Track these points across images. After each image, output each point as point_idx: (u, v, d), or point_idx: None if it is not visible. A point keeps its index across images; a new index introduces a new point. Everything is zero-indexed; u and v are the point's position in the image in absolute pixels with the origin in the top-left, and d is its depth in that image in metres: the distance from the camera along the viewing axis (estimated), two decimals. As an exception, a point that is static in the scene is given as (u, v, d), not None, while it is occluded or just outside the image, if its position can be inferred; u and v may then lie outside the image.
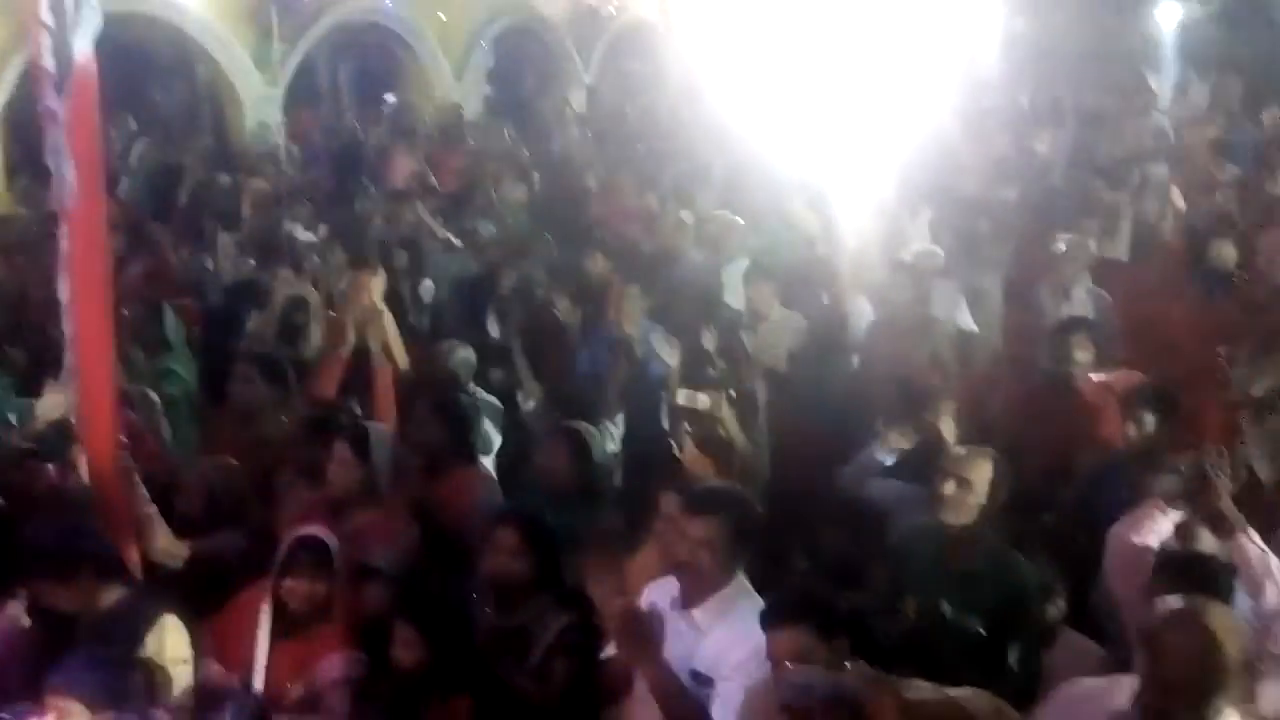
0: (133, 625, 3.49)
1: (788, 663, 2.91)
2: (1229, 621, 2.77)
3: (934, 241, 7.89)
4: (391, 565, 4.12)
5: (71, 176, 3.57)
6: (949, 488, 3.79)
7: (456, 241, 8.57)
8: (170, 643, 3.58)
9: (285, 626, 3.78)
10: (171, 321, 6.10)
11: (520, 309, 6.99)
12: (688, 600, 3.39)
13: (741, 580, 3.41)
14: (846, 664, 2.86)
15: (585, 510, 4.36)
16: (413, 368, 6.34)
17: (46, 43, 3.62)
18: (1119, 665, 3.52)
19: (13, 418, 4.76)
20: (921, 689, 2.81)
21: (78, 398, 3.80)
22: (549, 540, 3.85)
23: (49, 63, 3.60)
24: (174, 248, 8.10)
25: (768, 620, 3.07)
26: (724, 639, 3.28)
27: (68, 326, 3.75)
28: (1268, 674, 3.17)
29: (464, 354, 5.86)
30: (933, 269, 6.84)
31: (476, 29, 13.99)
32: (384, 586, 4.02)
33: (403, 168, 10.27)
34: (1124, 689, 2.85)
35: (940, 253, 7.16)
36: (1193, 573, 3.31)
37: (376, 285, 7.08)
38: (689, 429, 5.01)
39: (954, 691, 2.78)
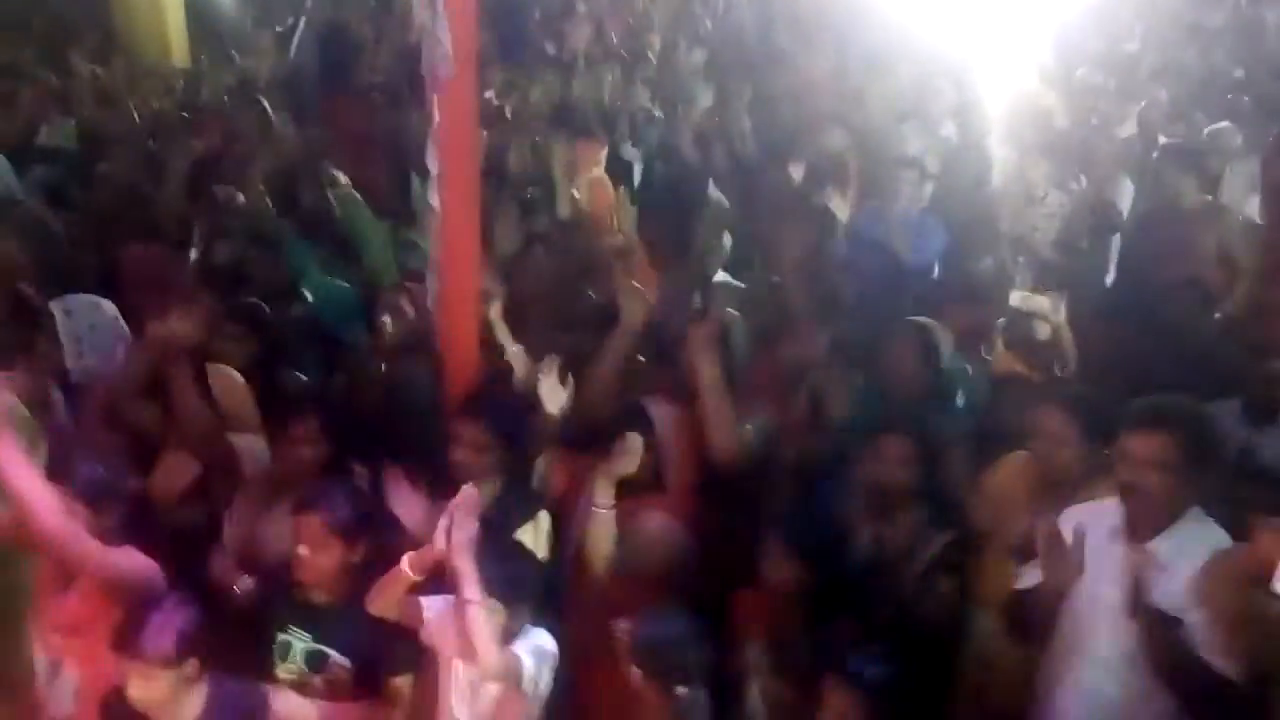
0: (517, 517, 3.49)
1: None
2: None
3: (1177, 121, 7.34)
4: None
5: (447, 43, 3.22)
6: None
7: (657, 111, 8.13)
8: (542, 537, 3.57)
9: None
10: (419, 191, 5.78)
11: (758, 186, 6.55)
12: (1138, 531, 3.01)
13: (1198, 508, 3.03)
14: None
15: (935, 415, 4.02)
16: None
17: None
18: None
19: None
20: None
21: (442, 278, 3.53)
22: (936, 450, 3.56)
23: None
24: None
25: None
26: (1193, 573, 2.91)
27: (434, 204, 3.45)
28: None
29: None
30: (1228, 150, 6.14)
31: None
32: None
33: (584, 30, 9.75)
34: None
35: (1237, 132, 6.36)
36: None
37: (600, 155, 6.79)
38: (1006, 328, 4.68)
39: None
